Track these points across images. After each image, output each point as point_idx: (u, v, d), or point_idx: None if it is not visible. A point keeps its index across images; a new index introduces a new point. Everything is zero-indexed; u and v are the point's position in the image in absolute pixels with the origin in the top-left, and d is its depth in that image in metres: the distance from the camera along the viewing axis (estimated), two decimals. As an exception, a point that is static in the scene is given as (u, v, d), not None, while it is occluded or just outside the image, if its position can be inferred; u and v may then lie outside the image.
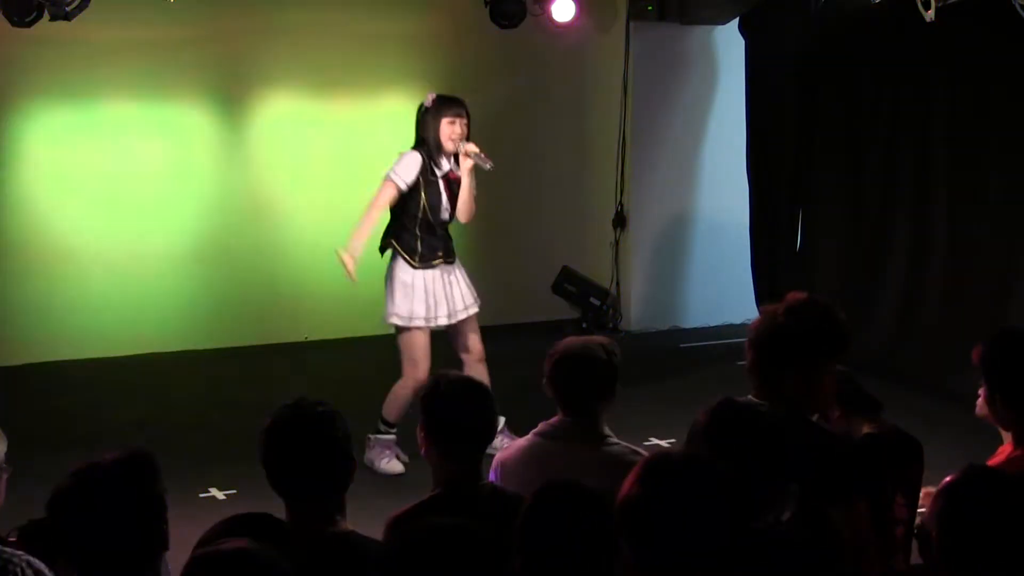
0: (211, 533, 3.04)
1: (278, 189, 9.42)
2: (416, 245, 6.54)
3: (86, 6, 7.22)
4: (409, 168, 6.49)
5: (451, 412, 3.55)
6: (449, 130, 6.47)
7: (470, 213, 6.60)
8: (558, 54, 9.90)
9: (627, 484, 2.63)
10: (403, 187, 6.48)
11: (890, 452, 3.97)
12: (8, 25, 7.36)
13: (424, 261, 6.55)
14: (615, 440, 3.97)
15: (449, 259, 6.66)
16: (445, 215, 6.59)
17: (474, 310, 6.71)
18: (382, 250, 6.65)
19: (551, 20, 9.17)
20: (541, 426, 4.00)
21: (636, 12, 9.48)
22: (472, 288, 6.74)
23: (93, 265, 9.00)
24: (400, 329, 6.58)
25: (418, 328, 6.54)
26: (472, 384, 3.73)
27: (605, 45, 9.89)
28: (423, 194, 6.51)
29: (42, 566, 2.90)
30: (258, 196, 9.37)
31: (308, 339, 9.49)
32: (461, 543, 2.50)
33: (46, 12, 7.22)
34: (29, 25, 7.34)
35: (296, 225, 9.46)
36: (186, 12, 8.61)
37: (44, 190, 8.89)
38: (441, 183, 6.56)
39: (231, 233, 9.31)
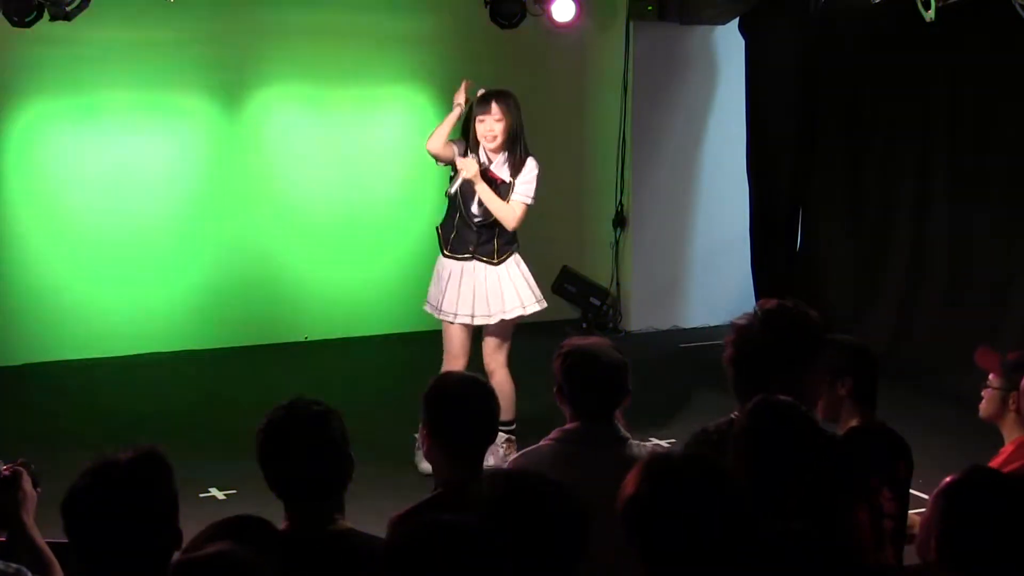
0: (199, 538, 3.03)
1: (278, 189, 9.42)
2: (450, 235, 6.57)
3: (86, 6, 7.22)
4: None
5: (454, 411, 3.54)
6: (481, 128, 6.50)
7: (497, 215, 6.49)
8: (558, 54, 9.89)
9: (628, 483, 2.65)
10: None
11: (876, 446, 4.00)
12: (8, 25, 7.36)
13: (454, 252, 6.55)
14: (636, 442, 3.91)
15: (484, 258, 6.55)
16: (475, 210, 6.54)
17: (508, 316, 6.53)
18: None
19: (551, 20, 9.14)
20: (557, 432, 3.90)
21: (636, 12, 9.47)
22: (503, 297, 6.53)
23: (93, 265, 8.98)
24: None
25: (446, 321, 6.53)
26: (475, 382, 3.71)
27: (605, 45, 9.88)
28: (460, 189, 6.53)
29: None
30: (258, 196, 9.35)
31: (308, 339, 9.49)
32: (463, 540, 2.50)
33: (46, 12, 7.23)
34: (29, 25, 7.34)
35: (296, 225, 9.45)
36: (186, 12, 8.60)
37: (44, 190, 8.87)
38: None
39: (231, 233, 9.30)
